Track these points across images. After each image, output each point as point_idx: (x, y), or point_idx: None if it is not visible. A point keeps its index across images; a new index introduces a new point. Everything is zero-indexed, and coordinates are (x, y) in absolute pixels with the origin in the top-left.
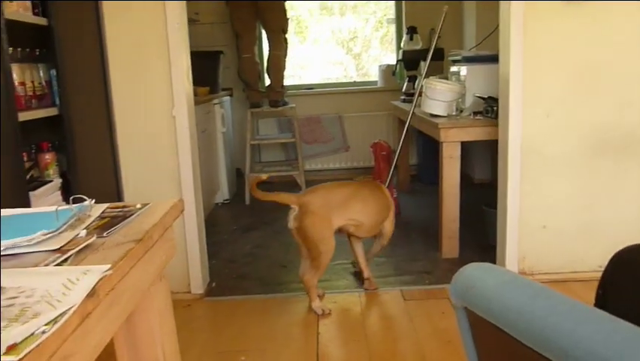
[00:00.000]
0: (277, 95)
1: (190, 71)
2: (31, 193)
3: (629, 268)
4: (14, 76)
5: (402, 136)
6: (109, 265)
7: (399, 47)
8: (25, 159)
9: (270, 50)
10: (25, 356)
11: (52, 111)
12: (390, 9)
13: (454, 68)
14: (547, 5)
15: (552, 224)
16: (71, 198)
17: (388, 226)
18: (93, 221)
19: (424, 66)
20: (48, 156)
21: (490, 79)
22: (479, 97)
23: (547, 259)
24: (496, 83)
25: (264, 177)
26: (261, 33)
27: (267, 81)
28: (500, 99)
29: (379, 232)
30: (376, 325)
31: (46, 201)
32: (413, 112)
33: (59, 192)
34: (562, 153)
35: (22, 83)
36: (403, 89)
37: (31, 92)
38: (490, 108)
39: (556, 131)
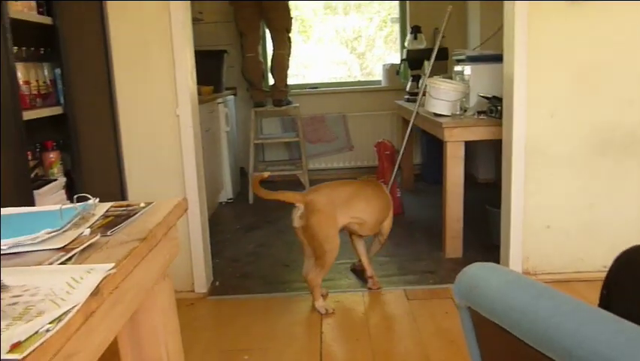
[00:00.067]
0: (281, 94)
1: (194, 71)
2: (35, 192)
3: (633, 268)
4: (19, 75)
5: (406, 135)
6: (113, 264)
7: (403, 47)
8: (30, 157)
9: (274, 50)
10: (29, 354)
11: (56, 110)
12: (394, 8)
13: (458, 68)
14: (552, 5)
15: (556, 224)
16: (75, 196)
17: (387, 225)
18: (97, 220)
19: (428, 66)
20: (52, 155)
21: (494, 78)
22: (483, 96)
23: (551, 259)
24: (500, 83)
25: (266, 175)
26: (265, 32)
27: (271, 80)
28: (504, 99)
29: (379, 230)
30: (380, 324)
31: (51, 200)
32: (417, 111)
33: (63, 191)
34: (566, 153)
35: (27, 82)
36: (407, 89)
37: (36, 91)
38: (494, 108)
39: (560, 131)
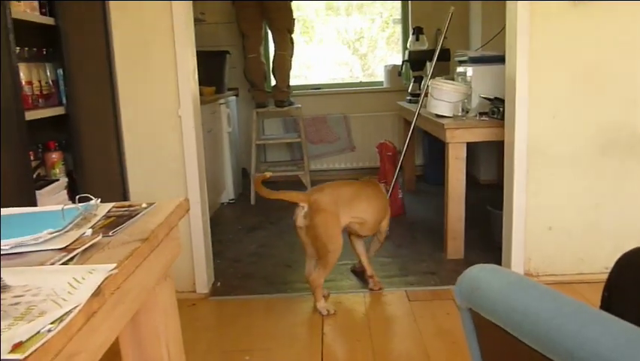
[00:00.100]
0: (283, 95)
1: (196, 71)
2: (37, 192)
3: (634, 270)
4: (21, 75)
5: (407, 136)
6: (114, 264)
7: (405, 48)
8: (32, 157)
9: (275, 50)
10: (30, 354)
11: (58, 110)
12: (396, 9)
13: (460, 69)
14: (554, 6)
15: (558, 225)
16: (77, 197)
17: (385, 224)
18: (99, 220)
19: (430, 67)
20: (54, 155)
21: (496, 80)
22: (485, 98)
23: (553, 261)
24: (503, 84)
25: (268, 175)
26: (267, 33)
27: (273, 81)
28: (506, 100)
29: (377, 230)
30: (381, 325)
31: (53, 200)
32: (419, 112)
33: (65, 191)
34: (568, 154)
35: (30, 83)
36: (409, 90)
37: (38, 92)
38: (496, 109)
39: (562, 131)
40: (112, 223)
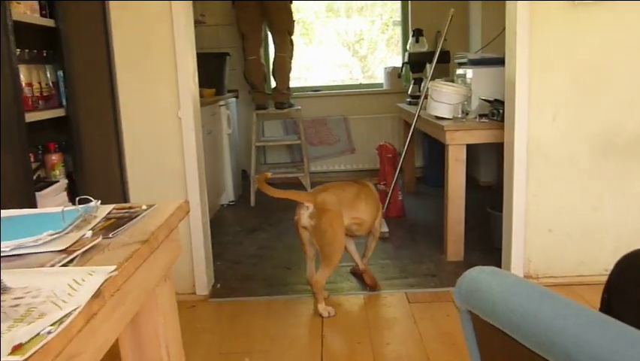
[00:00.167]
0: (283, 97)
1: (196, 73)
2: (37, 194)
3: (634, 272)
4: (22, 77)
5: (407, 138)
6: (114, 266)
7: (405, 50)
8: (32, 159)
9: (275, 52)
10: (30, 356)
11: (59, 112)
12: (396, 11)
13: (459, 71)
14: (553, 6)
15: (558, 227)
16: (77, 198)
17: (378, 222)
18: (99, 222)
19: (429, 69)
20: (55, 157)
21: (495, 82)
22: (485, 100)
23: (553, 263)
24: (502, 86)
25: (268, 175)
26: (267, 35)
27: (273, 83)
28: (506, 102)
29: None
30: (381, 327)
31: (53, 202)
32: (419, 114)
33: (65, 193)
34: (568, 156)
35: (30, 84)
36: (409, 92)
37: (39, 93)
38: (496, 111)
39: (562, 133)
40: (112, 225)
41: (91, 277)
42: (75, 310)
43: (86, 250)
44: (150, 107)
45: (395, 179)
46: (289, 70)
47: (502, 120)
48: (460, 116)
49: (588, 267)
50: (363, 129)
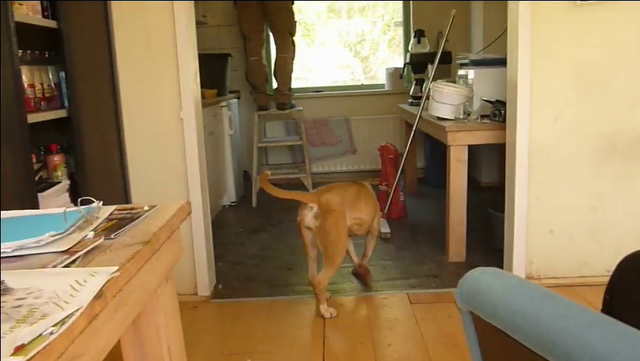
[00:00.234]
0: (284, 97)
1: (198, 74)
2: (39, 195)
3: (636, 273)
4: (24, 78)
5: (409, 139)
6: (116, 267)
7: (406, 50)
8: (34, 160)
9: (277, 53)
10: (32, 357)
11: (61, 113)
12: (397, 12)
13: (461, 72)
14: (556, 7)
15: (560, 228)
16: (79, 199)
17: (376, 221)
18: (101, 223)
19: (431, 69)
20: (57, 158)
21: (497, 82)
22: (487, 100)
23: (554, 264)
24: (504, 87)
25: (268, 173)
26: (268, 36)
27: (275, 84)
28: (508, 102)
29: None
30: (382, 328)
31: (55, 203)
32: (420, 115)
33: (67, 194)
34: (570, 156)
35: (32, 85)
36: (411, 93)
37: (41, 94)
38: (498, 112)
39: (564, 134)
40: (114, 226)
41: (93, 278)
42: (77, 311)
43: (88, 251)
44: (152, 108)
45: (397, 180)
46: (291, 71)
47: (504, 121)
48: (461, 117)
49: (590, 268)
50: (365, 130)
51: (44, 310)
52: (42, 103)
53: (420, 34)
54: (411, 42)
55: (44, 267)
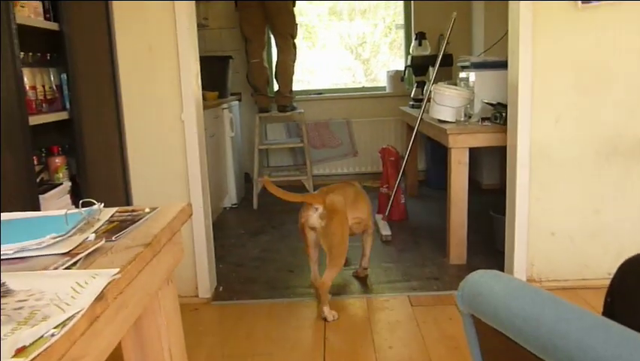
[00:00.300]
0: (286, 100)
1: (199, 76)
2: (41, 196)
3: (637, 275)
4: (25, 80)
5: (410, 141)
6: (117, 269)
7: (407, 53)
8: (36, 162)
9: (278, 55)
10: (34, 358)
11: (62, 115)
12: (399, 14)
13: (462, 74)
14: (557, 8)
15: (561, 230)
16: (81, 201)
17: (371, 221)
18: (102, 225)
19: (432, 72)
20: (58, 160)
21: (498, 85)
22: (488, 103)
23: (556, 266)
24: (505, 89)
25: (267, 178)
26: (269, 38)
27: (276, 86)
28: (509, 105)
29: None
30: (383, 330)
31: (56, 205)
32: (421, 118)
33: (69, 196)
34: (571, 159)
35: (33, 87)
36: (412, 95)
37: (42, 97)
38: (499, 114)
39: (565, 136)
40: (115, 228)
41: (94, 280)
42: (78, 312)
43: (89, 253)
44: (153, 109)
45: (398, 182)
46: (292, 73)
47: (505, 124)
48: (462, 119)
49: (591, 270)
50: (366, 132)
51: (45, 312)
52: (44, 105)
53: (421, 36)
54: (412, 44)
55: (45, 269)
